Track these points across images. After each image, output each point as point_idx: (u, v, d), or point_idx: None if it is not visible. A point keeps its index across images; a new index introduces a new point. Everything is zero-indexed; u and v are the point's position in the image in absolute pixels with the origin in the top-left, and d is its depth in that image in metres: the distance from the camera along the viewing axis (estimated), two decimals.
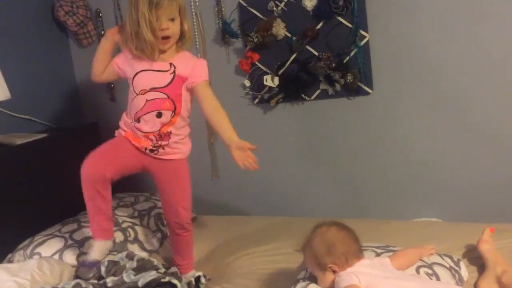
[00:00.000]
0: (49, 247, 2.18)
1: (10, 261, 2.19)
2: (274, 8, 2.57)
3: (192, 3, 2.78)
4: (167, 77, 1.95)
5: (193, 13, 2.79)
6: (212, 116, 1.97)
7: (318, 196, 2.78)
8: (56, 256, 2.14)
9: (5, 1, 2.68)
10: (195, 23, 2.81)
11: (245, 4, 2.64)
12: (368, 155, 2.63)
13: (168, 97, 1.95)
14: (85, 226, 2.33)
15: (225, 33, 2.72)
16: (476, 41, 2.32)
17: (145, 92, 1.94)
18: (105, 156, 2.01)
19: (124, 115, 2.09)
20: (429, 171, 2.54)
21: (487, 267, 1.79)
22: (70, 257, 2.15)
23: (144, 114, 1.96)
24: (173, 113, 1.98)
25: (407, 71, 2.47)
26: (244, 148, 1.87)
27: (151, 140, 2.00)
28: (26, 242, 2.25)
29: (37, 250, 2.17)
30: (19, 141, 2.42)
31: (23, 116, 2.71)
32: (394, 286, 1.49)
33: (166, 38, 1.88)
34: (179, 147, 2.08)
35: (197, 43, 2.83)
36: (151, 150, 2.02)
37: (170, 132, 2.01)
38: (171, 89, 1.95)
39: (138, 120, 1.98)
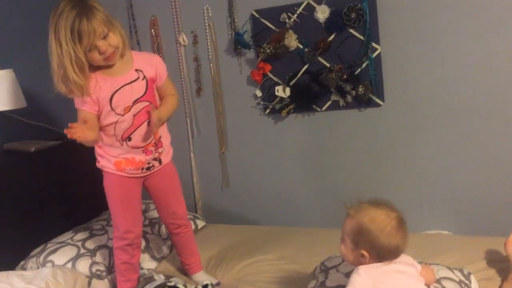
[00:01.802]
0: (62, 255, 2.20)
1: (23, 268, 2.22)
2: (287, 20, 2.60)
3: (206, 14, 2.82)
4: (142, 85, 1.91)
5: (206, 24, 2.83)
6: (162, 100, 2.01)
7: (328, 207, 2.78)
8: (69, 265, 2.16)
9: (23, 7, 2.73)
10: (208, 34, 2.84)
11: (257, 16, 2.67)
12: (379, 167, 2.64)
13: (150, 103, 1.94)
14: (97, 235, 2.35)
15: (238, 44, 2.75)
16: (488, 55, 2.32)
17: (130, 108, 1.88)
18: (127, 215, 2.02)
19: (100, 147, 1.99)
20: (440, 184, 2.53)
21: (511, 271, 1.77)
22: (83, 266, 2.17)
23: (135, 130, 1.92)
24: None
25: (418, 84, 2.47)
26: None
27: (151, 152, 1.98)
28: (39, 249, 2.27)
29: (50, 258, 2.19)
30: (34, 148, 2.45)
31: (38, 124, 2.75)
32: None
33: (110, 54, 1.79)
34: (169, 148, 2.10)
35: (210, 53, 2.86)
36: (147, 168, 2.02)
37: (160, 136, 2.02)
38: (149, 94, 1.94)
39: (128, 138, 1.92)
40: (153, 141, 1.98)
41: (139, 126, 1.92)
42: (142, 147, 1.96)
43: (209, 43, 2.85)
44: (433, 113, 2.48)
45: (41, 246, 2.28)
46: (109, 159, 1.97)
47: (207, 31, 2.84)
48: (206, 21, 2.83)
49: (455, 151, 2.47)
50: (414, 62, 2.46)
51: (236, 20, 2.76)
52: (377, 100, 2.54)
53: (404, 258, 1.52)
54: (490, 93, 2.36)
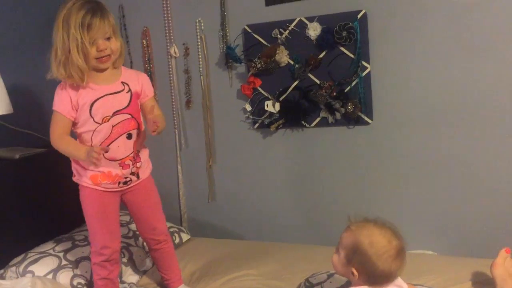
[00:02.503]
0: (43, 266, 2.16)
1: (2, 277, 2.17)
2: (278, 36, 2.61)
3: (198, 27, 2.83)
4: (125, 97, 1.91)
5: (198, 37, 2.83)
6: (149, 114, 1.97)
7: (314, 223, 2.78)
8: (50, 276, 2.11)
9: (11, 15, 2.71)
10: (199, 47, 2.85)
11: (249, 30, 2.68)
12: (366, 185, 2.64)
13: (132, 117, 1.92)
14: (79, 245, 2.32)
15: (229, 58, 2.75)
16: (476, 77, 2.35)
17: (109, 118, 1.87)
18: (104, 230, 1.97)
19: (77, 161, 1.97)
20: (427, 204, 2.54)
21: None
22: (64, 279, 2.13)
23: (113, 141, 1.89)
24: (138, 130, 1.96)
25: (406, 104, 2.49)
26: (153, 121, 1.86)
27: (128, 165, 1.95)
28: (19, 258, 2.23)
29: (30, 268, 2.14)
30: (19, 155, 2.42)
31: (23, 130, 2.72)
32: None
33: (105, 56, 1.82)
34: (148, 162, 2.08)
35: (201, 66, 2.86)
36: (125, 183, 1.99)
37: (139, 151, 1.99)
38: (132, 108, 1.93)
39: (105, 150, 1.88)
40: (131, 155, 1.95)
41: (117, 138, 1.90)
42: (119, 160, 1.92)
43: (200, 56, 2.86)
44: (421, 133, 2.49)
45: (21, 256, 2.23)
46: (85, 173, 1.94)
47: (199, 43, 2.84)
48: (198, 33, 2.84)
49: (443, 172, 2.48)
50: (403, 82, 2.48)
51: (228, 34, 2.77)
52: (366, 118, 2.55)
53: (395, 281, 1.50)
54: (479, 114, 2.38)
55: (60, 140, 1.87)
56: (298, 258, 2.39)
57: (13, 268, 2.17)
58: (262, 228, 2.90)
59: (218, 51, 2.82)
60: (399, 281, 1.52)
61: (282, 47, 2.60)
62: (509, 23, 2.26)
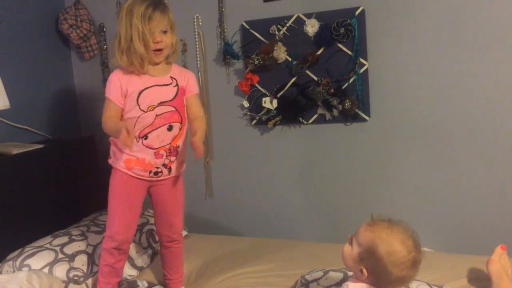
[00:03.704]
0: (39, 259, 2.16)
1: None
2: (276, 32, 2.61)
3: (195, 23, 2.82)
4: (172, 90, 1.98)
5: (196, 33, 2.83)
6: (193, 121, 2.03)
7: (310, 220, 2.78)
8: (46, 270, 2.12)
9: (10, 9, 2.71)
10: (197, 43, 2.84)
11: (247, 27, 2.68)
12: (362, 182, 2.64)
13: (176, 110, 1.98)
14: (76, 240, 2.32)
15: (227, 54, 2.75)
16: (475, 71, 2.35)
17: (154, 108, 1.94)
18: (125, 215, 2.01)
19: (116, 144, 2.03)
20: (423, 200, 2.55)
21: None
22: (60, 272, 2.13)
23: (154, 130, 1.95)
24: (181, 125, 2.00)
25: (404, 101, 2.49)
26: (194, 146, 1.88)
27: (161, 155, 1.99)
28: (16, 253, 2.23)
29: (26, 262, 2.15)
30: (16, 150, 2.42)
31: (20, 126, 2.72)
32: None
33: (159, 50, 1.91)
34: (183, 161, 2.11)
35: (198, 62, 2.86)
36: (155, 173, 2.01)
37: (178, 146, 2.02)
38: (178, 102, 1.99)
39: (145, 136, 1.95)
40: (167, 146, 1.99)
41: (159, 128, 1.95)
42: (155, 148, 1.97)
43: (198, 52, 2.85)
44: (419, 130, 2.49)
45: (18, 250, 2.23)
46: (121, 156, 2.00)
47: (197, 39, 2.84)
48: (196, 29, 2.83)
49: (440, 169, 2.49)
50: (401, 79, 2.48)
51: (226, 30, 2.77)
52: (363, 115, 2.55)
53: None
54: (477, 111, 2.38)
55: (106, 120, 1.93)
56: (295, 254, 2.39)
57: (10, 263, 2.17)
58: (259, 225, 2.90)
59: (216, 47, 2.81)
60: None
61: (280, 44, 2.60)
62: (508, 19, 2.26)
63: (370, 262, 1.40)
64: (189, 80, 2.05)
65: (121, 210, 2.01)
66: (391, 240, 1.38)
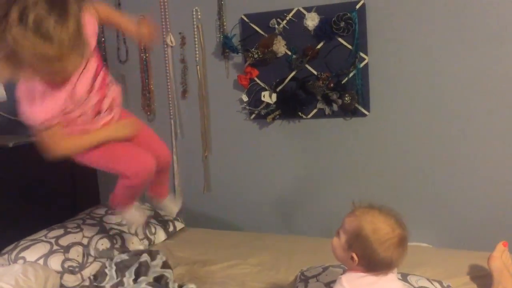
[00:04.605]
0: (34, 252, 2.15)
1: None
2: (276, 26, 2.59)
3: (194, 16, 2.80)
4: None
5: (195, 26, 2.80)
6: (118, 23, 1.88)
7: (309, 215, 2.77)
8: (41, 261, 2.11)
9: None
10: (196, 36, 2.82)
11: (247, 20, 2.66)
12: (361, 176, 2.63)
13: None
14: (72, 232, 2.31)
15: (226, 48, 2.73)
16: (475, 67, 2.34)
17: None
18: (136, 148, 1.90)
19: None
20: (422, 196, 2.54)
21: (492, 286, 1.77)
22: (54, 263, 2.13)
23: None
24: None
25: (404, 96, 2.48)
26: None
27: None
28: (11, 246, 2.21)
29: (21, 254, 2.14)
30: (12, 143, 2.40)
31: (17, 119, 2.69)
32: None
33: None
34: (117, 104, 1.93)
35: (197, 55, 2.83)
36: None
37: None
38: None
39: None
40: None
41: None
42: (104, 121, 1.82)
43: (197, 45, 2.83)
44: (418, 125, 2.48)
45: (14, 244, 2.22)
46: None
47: (195, 33, 2.82)
48: (195, 23, 2.81)
49: (440, 164, 2.48)
50: (401, 74, 2.46)
51: (225, 24, 2.74)
52: (363, 110, 2.54)
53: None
54: (477, 105, 2.37)
55: None
56: (293, 249, 2.38)
57: (5, 256, 2.16)
58: (257, 219, 2.89)
59: (215, 40, 2.79)
60: (394, 272, 1.51)
61: (279, 37, 2.58)
62: (510, 14, 2.25)
63: (358, 245, 1.41)
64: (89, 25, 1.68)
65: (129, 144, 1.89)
66: (374, 220, 1.41)
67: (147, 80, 2.99)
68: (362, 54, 2.47)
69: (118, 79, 3.01)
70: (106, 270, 2.07)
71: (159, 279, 1.98)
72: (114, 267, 2.05)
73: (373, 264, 1.41)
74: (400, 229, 1.41)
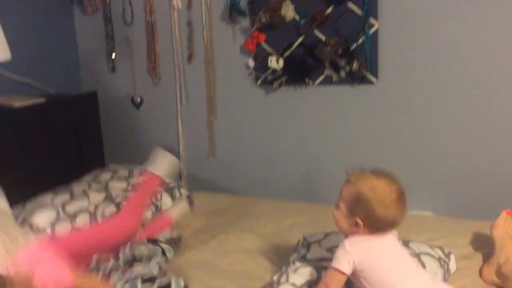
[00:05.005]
0: (42, 219, 2.11)
1: None
2: None
3: None
4: None
5: None
6: None
7: (315, 181, 2.77)
8: (48, 229, 2.07)
9: None
10: None
11: None
12: (366, 144, 2.62)
13: None
14: (78, 199, 2.29)
15: (233, 11, 2.67)
16: (487, 34, 2.29)
17: None
18: None
19: None
20: (429, 165, 2.53)
21: (494, 254, 1.77)
22: (63, 232, 2.08)
23: None
24: None
25: (413, 64, 2.44)
26: None
27: None
28: (19, 208, 2.19)
29: (29, 219, 2.10)
30: (17, 104, 2.38)
31: (21, 79, 2.67)
32: (392, 278, 1.43)
33: None
34: None
35: (203, 19, 2.79)
36: None
37: None
38: None
39: None
40: None
41: None
42: None
43: (203, 8, 2.78)
44: (426, 94, 2.45)
45: (20, 205, 2.22)
46: None
47: None
48: None
49: (446, 133, 2.46)
50: (411, 41, 2.42)
51: None
52: (371, 78, 2.50)
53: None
54: (486, 73, 2.33)
55: None
56: (298, 215, 2.38)
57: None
58: (262, 186, 2.89)
59: (222, 3, 2.73)
60: (395, 235, 1.53)
61: (288, 1, 2.52)
62: None
63: (360, 209, 1.43)
64: None
65: None
66: (370, 182, 1.45)
67: (152, 43, 2.95)
68: (372, 20, 2.42)
69: (124, 41, 3.00)
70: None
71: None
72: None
73: (378, 224, 1.44)
74: (396, 185, 1.45)
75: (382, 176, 1.46)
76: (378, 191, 1.42)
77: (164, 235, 2.09)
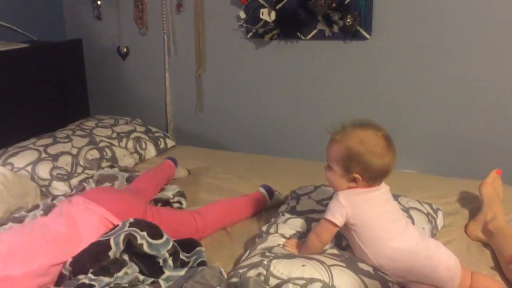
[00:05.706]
0: (22, 158, 2.13)
1: None
2: None
3: None
4: None
5: None
6: None
7: (307, 137, 2.75)
8: (29, 168, 2.09)
9: None
10: None
11: None
12: (355, 100, 2.60)
13: None
14: (60, 142, 2.28)
15: None
16: None
17: None
18: None
19: None
20: (419, 123, 2.52)
21: (480, 211, 1.79)
22: (43, 170, 2.11)
23: None
24: None
25: (408, 21, 2.40)
26: None
27: None
28: None
29: (9, 160, 2.12)
30: (1, 48, 2.30)
31: (4, 24, 2.57)
32: (385, 232, 1.43)
33: None
34: None
35: None
36: None
37: None
38: None
39: None
40: None
41: None
42: None
43: None
44: (418, 53, 2.42)
45: (2, 150, 2.20)
46: None
47: None
48: None
49: (438, 91, 2.44)
50: None
51: None
52: (364, 33, 2.46)
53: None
54: (480, 34, 2.31)
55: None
56: (286, 171, 2.37)
57: None
58: (249, 141, 2.87)
59: None
60: (388, 190, 1.52)
61: None
62: None
63: (355, 165, 1.41)
64: None
65: None
66: (356, 135, 1.43)
67: None
68: None
69: None
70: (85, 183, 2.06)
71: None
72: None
73: (375, 174, 1.42)
74: (381, 131, 1.44)
75: (365, 126, 1.45)
76: (367, 143, 1.41)
77: (172, 187, 2.09)
